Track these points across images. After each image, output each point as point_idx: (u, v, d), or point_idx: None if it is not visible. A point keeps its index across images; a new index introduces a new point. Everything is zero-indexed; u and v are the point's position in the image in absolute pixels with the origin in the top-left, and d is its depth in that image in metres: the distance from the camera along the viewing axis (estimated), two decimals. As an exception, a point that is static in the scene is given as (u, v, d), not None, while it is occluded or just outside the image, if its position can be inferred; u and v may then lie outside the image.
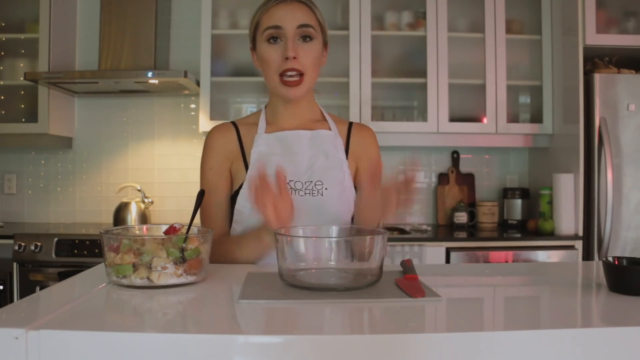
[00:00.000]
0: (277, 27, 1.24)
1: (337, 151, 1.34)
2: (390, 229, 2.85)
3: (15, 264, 2.55)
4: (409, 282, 0.94)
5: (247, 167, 1.30)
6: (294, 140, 1.31)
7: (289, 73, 1.24)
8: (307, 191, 1.27)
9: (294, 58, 1.23)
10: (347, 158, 1.35)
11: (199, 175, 1.35)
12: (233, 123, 1.37)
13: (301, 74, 1.25)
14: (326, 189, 1.28)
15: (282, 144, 1.31)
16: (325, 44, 1.32)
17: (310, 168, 1.29)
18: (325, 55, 1.34)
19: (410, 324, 0.79)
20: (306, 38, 1.25)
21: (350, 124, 1.41)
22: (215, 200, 1.32)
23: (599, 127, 2.61)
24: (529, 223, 2.88)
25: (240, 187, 1.30)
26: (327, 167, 1.30)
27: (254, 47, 1.32)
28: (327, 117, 1.39)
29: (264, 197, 1.08)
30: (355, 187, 1.36)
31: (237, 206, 1.30)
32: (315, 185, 1.27)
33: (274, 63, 1.25)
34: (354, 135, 1.38)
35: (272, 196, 1.09)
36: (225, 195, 1.32)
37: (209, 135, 1.36)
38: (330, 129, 1.36)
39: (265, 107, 1.39)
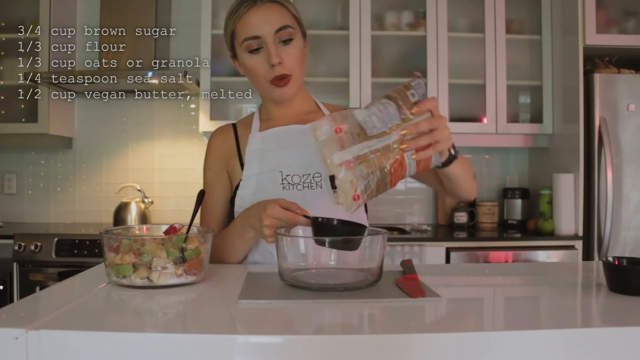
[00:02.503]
0: (255, 37, 1.21)
1: None
2: (390, 228, 2.85)
3: (15, 264, 2.55)
4: (409, 282, 0.94)
5: (242, 166, 1.31)
6: (288, 135, 1.31)
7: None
8: (305, 185, 1.26)
9: (280, 63, 1.22)
10: None
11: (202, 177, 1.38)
12: (233, 125, 1.39)
13: (289, 75, 1.24)
14: (325, 180, 1.27)
15: (277, 140, 1.30)
16: (304, 35, 1.30)
17: (307, 161, 1.27)
18: (306, 45, 1.32)
19: (410, 324, 0.79)
20: (286, 41, 1.23)
21: None
22: (212, 200, 1.33)
23: (599, 127, 2.61)
24: (529, 223, 2.88)
25: (237, 188, 1.30)
26: None
27: (234, 55, 1.30)
28: (322, 107, 1.38)
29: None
30: None
31: (235, 207, 1.30)
32: (313, 177, 1.27)
33: (260, 71, 1.24)
34: None
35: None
36: (223, 194, 1.34)
37: (210, 137, 1.40)
38: None
39: (259, 107, 1.39)
